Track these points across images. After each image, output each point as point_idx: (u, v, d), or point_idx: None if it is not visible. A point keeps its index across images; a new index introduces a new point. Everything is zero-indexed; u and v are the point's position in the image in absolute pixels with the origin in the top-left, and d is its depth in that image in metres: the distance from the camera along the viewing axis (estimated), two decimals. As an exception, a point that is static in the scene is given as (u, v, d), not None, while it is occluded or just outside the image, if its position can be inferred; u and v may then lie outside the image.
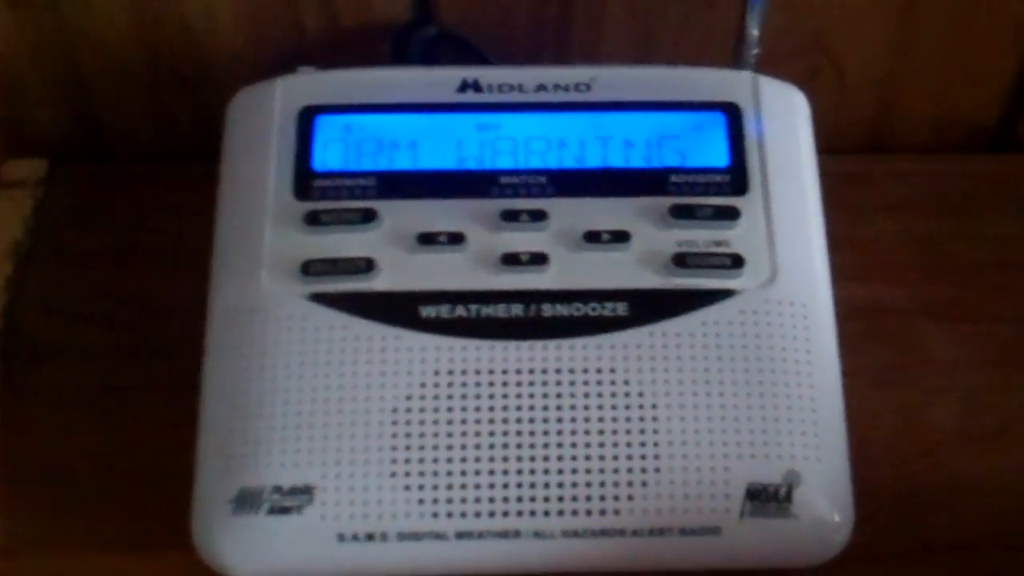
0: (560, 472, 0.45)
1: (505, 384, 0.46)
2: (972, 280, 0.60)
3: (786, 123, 0.52)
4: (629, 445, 0.45)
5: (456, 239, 0.48)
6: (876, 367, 0.56)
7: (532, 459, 0.45)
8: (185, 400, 0.48)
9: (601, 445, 0.45)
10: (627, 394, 0.46)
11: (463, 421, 0.45)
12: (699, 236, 0.49)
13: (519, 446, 0.45)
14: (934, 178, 0.64)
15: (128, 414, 0.54)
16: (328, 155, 0.50)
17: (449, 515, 0.44)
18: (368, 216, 0.48)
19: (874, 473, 0.50)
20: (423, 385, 0.46)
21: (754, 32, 0.54)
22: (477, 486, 0.44)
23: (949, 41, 0.63)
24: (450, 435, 0.45)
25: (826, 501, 0.45)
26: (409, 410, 0.45)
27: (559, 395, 0.46)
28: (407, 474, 0.44)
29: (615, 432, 0.45)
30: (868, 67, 0.64)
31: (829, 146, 0.53)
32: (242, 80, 0.53)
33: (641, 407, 0.45)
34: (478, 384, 0.46)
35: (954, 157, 0.66)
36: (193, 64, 0.62)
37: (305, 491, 0.44)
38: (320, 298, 0.47)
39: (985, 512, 0.51)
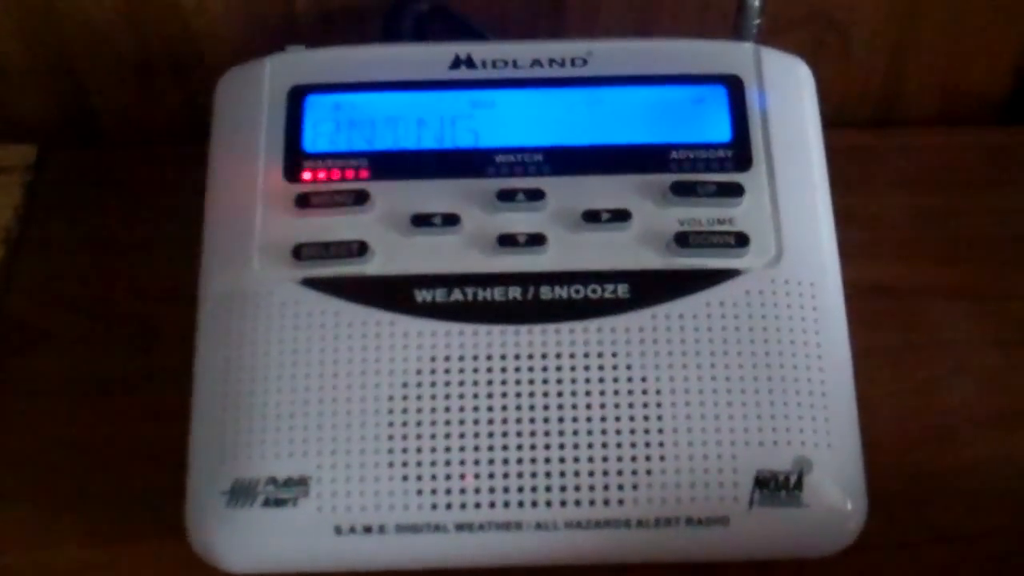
0: (562, 461, 0.44)
1: (504, 370, 0.45)
2: (983, 256, 0.59)
3: (790, 96, 0.51)
4: (633, 432, 0.44)
5: (451, 220, 0.47)
6: (885, 348, 0.54)
7: (533, 448, 0.44)
8: (176, 389, 0.47)
9: (604, 433, 0.44)
10: (630, 379, 0.45)
11: (461, 409, 0.44)
12: (702, 214, 0.48)
13: (519, 434, 0.44)
14: (942, 152, 0.63)
15: (118, 403, 0.53)
16: (319, 136, 0.49)
17: (448, 506, 0.43)
18: (360, 198, 0.47)
19: (885, 458, 0.48)
20: (419, 372, 0.45)
21: (755, 2, 0.53)
22: (476, 476, 0.43)
23: (958, 11, 0.62)
24: (448, 423, 0.44)
25: (838, 489, 0.44)
26: (406, 398, 0.44)
27: (559, 381, 0.45)
28: (404, 464, 0.44)
29: (618, 419, 0.44)
30: (874, 38, 0.64)
31: (834, 119, 0.52)
32: (232, 60, 0.52)
33: (645, 392, 0.44)
34: (476, 370, 0.45)
35: (963, 130, 0.65)
36: (182, 45, 0.61)
37: (301, 482, 0.43)
38: (313, 283, 0.46)
39: (1001, 497, 0.50)
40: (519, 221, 0.47)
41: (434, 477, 0.43)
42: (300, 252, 0.46)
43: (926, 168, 0.62)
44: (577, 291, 0.46)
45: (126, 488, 0.50)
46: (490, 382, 0.44)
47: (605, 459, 0.44)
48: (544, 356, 0.45)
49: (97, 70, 0.62)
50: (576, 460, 0.43)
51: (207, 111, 0.51)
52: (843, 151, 0.52)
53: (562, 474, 0.43)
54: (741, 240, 0.47)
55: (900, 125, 0.66)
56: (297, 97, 0.50)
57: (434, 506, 0.43)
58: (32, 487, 0.50)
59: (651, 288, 0.46)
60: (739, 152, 0.49)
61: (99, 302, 0.57)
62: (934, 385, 0.54)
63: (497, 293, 0.46)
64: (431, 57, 0.51)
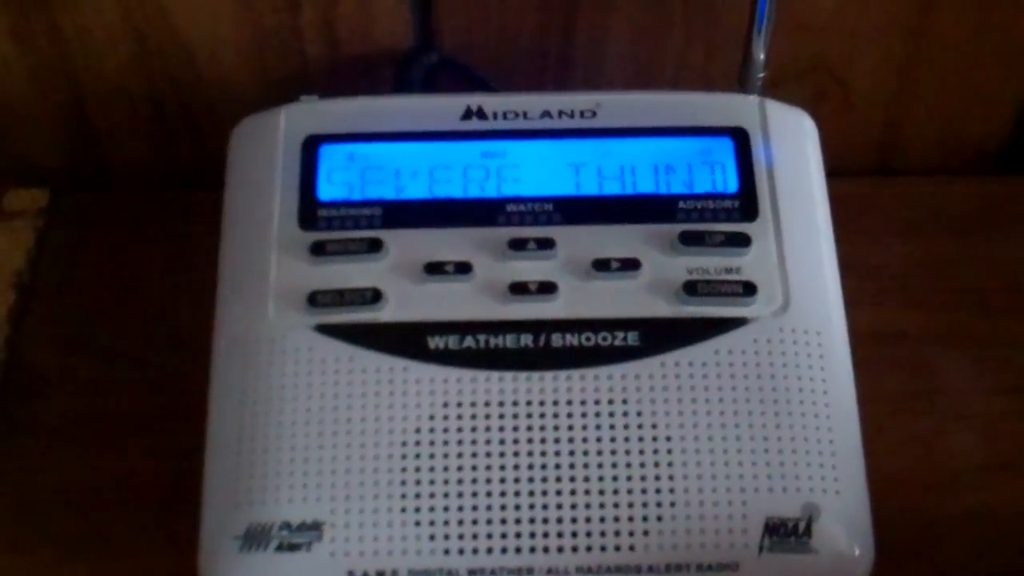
0: (573, 507, 0.44)
1: (515, 416, 0.45)
2: (984, 304, 0.59)
3: (795, 147, 0.51)
4: (643, 479, 0.44)
5: (463, 268, 0.48)
6: (889, 395, 0.55)
7: (544, 493, 0.44)
8: (188, 433, 0.47)
9: (615, 479, 0.44)
10: (640, 426, 0.45)
11: (473, 455, 0.44)
12: (710, 263, 0.48)
13: (531, 480, 0.44)
14: (942, 200, 0.64)
15: (131, 447, 0.53)
16: (333, 184, 0.50)
17: (461, 551, 0.43)
18: (374, 246, 0.48)
19: (890, 503, 0.48)
20: (432, 418, 0.45)
21: (760, 56, 0.53)
22: (489, 521, 0.44)
23: (957, 62, 0.63)
24: (460, 469, 0.44)
25: (846, 534, 0.44)
26: (418, 443, 0.45)
27: (571, 427, 0.45)
28: (417, 509, 0.44)
29: (628, 465, 0.44)
30: (874, 89, 0.64)
31: (835, 168, 0.53)
32: (244, 108, 0.52)
33: (655, 439, 0.45)
34: (487, 416, 0.45)
35: (962, 179, 0.66)
36: (195, 92, 0.62)
37: (314, 527, 0.44)
38: (327, 329, 0.46)
39: (1005, 543, 0.50)
40: (530, 269, 0.48)
41: (446, 523, 0.43)
42: (315, 299, 0.47)
43: (925, 216, 0.63)
44: (588, 339, 0.46)
45: (136, 534, 0.50)
46: (502, 428, 0.45)
47: (616, 505, 0.44)
48: (555, 403, 0.45)
49: (109, 116, 0.63)
50: (587, 506, 0.44)
51: (218, 158, 0.51)
52: (843, 199, 0.52)
53: (573, 520, 0.44)
54: (749, 289, 0.47)
55: (899, 174, 0.67)
56: (312, 146, 0.50)
57: (447, 551, 0.43)
58: (42, 534, 0.50)
59: (660, 336, 0.46)
60: (746, 203, 0.49)
61: (110, 347, 0.57)
62: (938, 432, 0.54)
63: (509, 340, 0.46)
64: (443, 108, 0.51)
